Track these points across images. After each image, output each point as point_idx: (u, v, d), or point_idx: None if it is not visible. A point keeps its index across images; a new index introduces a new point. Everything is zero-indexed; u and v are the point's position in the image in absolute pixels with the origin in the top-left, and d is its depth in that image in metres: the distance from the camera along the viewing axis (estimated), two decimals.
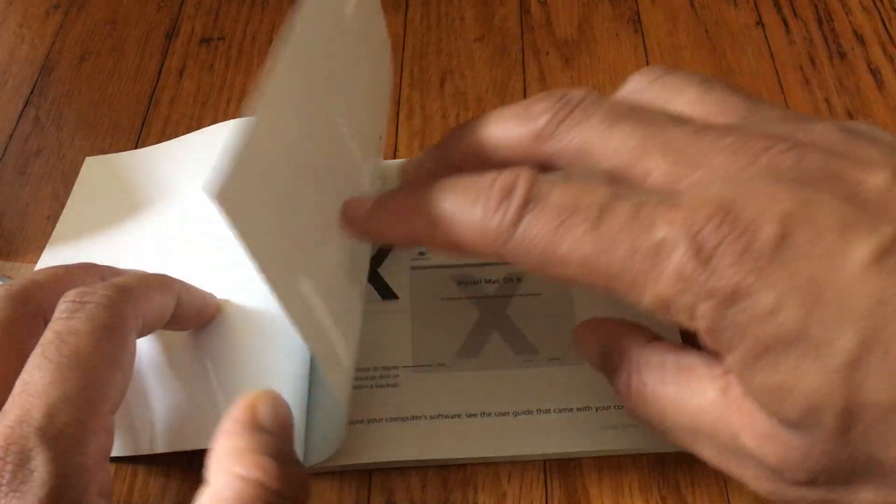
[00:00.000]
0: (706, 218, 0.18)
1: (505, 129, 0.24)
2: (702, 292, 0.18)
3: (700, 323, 0.19)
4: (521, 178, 0.21)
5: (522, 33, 0.46)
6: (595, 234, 0.20)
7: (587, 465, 0.30)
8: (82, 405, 0.23)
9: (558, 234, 0.20)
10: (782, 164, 0.19)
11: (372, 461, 0.30)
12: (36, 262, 0.36)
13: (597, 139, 0.22)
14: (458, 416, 0.31)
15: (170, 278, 0.28)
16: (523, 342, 0.32)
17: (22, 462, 0.21)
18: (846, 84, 0.43)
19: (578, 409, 0.31)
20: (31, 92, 0.44)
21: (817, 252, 0.18)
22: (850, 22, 0.46)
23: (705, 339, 0.20)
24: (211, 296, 0.31)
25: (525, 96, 0.43)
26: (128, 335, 0.25)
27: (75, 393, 0.23)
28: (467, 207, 0.22)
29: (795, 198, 0.18)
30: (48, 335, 0.24)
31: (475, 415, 0.31)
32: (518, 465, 0.30)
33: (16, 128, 0.42)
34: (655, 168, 0.21)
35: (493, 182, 0.21)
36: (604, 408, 0.31)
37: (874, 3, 0.47)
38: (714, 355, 0.21)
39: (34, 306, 0.26)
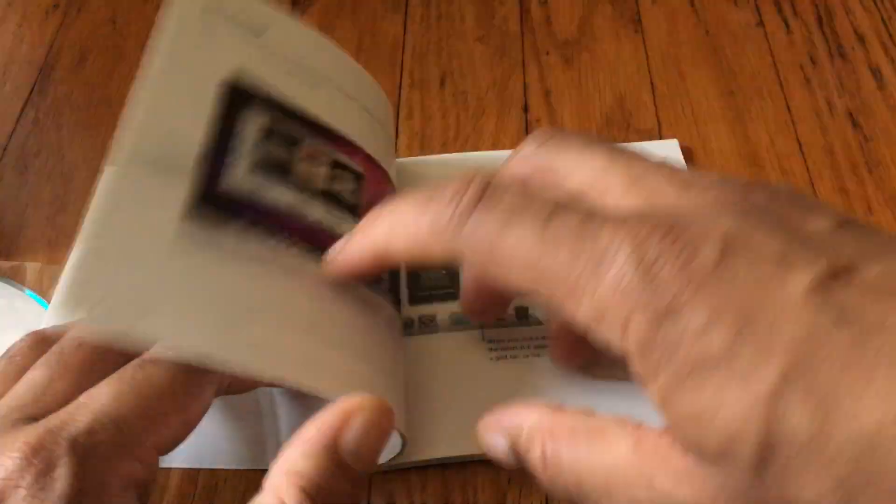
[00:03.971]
0: (650, 231, 0.19)
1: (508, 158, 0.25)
2: (638, 304, 0.18)
3: (632, 338, 0.19)
4: (476, 181, 0.22)
5: (522, 33, 0.46)
6: (541, 235, 0.20)
7: None
8: (127, 429, 0.23)
9: (505, 231, 0.20)
10: (730, 198, 0.20)
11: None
12: (36, 262, 0.36)
13: (571, 158, 0.23)
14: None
15: None
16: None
17: (47, 469, 0.21)
18: (847, 84, 0.43)
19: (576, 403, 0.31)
20: (31, 92, 0.44)
21: (754, 277, 0.18)
22: (851, 21, 0.46)
23: (634, 360, 0.19)
24: None
25: (525, 96, 0.43)
26: (205, 385, 0.25)
27: (126, 416, 0.23)
28: (420, 209, 0.23)
29: (738, 226, 0.19)
30: (135, 360, 0.24)
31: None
32: None
33: (15, 128, 0.42)
34: (616, 186, 0.21)
35: (446, 185, 0.22)
36: None
37: (875, 3, 0.47)
38: (623, 419, 0.21)
39: None
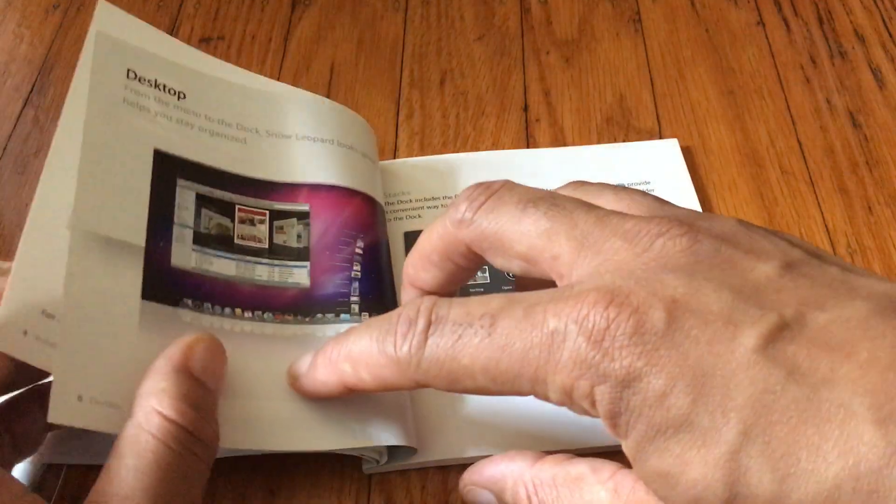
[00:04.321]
0: (592, 304, 0.19)
1: (438, 225, 0.25)
2: (598, 375, 0.19)
3: (600, 408, 0.19)
4: (422, 307, 0.22)
5: (522, 33, 0.46)
6: (490, 340, 0.21)
7: None
8: None
9: (457, 348, 0.21)
10: (675, 248, 0.20)
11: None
12: None
13: (509, 224, 0.23)
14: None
15: None
16: None
17: None
18: (847, 83, 0.43)
19: None
20: (31, 91, 0.44)
21: (705, 338, 0.18)
22: (851, 21, 0.46)
23: (608, 425, 0.20)
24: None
25: (525, 96, 0.43)
26: None
27: None
28: (379, 345, 0.23)
29: (684, 285, 0.19)
30: None
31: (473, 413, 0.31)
32: None
33: (15, 128, 0.42)
34: (563, 253, 0.21)
35: (398, 317, 0.23)
36: None
37: (875, 3, 0.47)
38: (600, 461, 0.22)
39: None
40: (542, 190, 0.24)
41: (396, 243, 0.36)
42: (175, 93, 0.31)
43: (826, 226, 0.37)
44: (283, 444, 0.27)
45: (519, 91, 0.44)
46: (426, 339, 0.22)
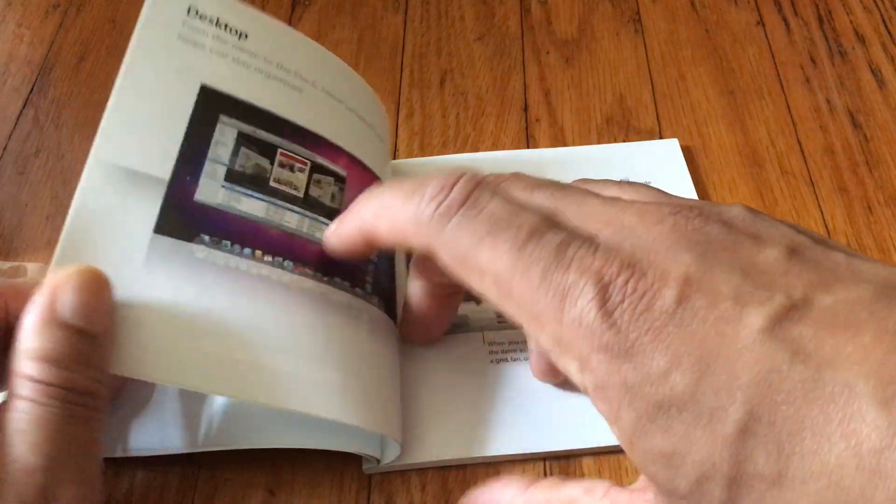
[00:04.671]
0: (615, 272, 0.19)
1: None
2: (599, 343, 0.19)
3: (591, 376, 0.19)
4: (464, 181, 0.22)
5: (522, 33, 0.46)
6: (517, 255, 0.20)
7: (587, 460, 0.30)
8: None
9: (484, 243, 0.21)
10: (688, 227, 0.20)
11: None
12: (35, 262, 0.36)
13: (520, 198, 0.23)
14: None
15: None
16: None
17: None
18: (847, 83, 0.43)
19: (577, 404, 0.31)
20: (31, 92, 0.44)
21: (712, 318, 0.18)
22: (851, 21, 0.46)
23: (596, 396, 0.20)
24: None
25: (525, 96, 0.43)
26: None
27: None
28: (406, 199, 0.23)
29: (696, 264, 0.19)
30: None
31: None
32: (518, 464, 0.30)
33: (15, 128, 0.42)
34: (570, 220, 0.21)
35: (435, 179, 0.22)
36: None
37: (875, 3, 0.47)
38: (592, 480, 0.23)
39: None
40: (548, 179, 0.24)
41: None
42: (236, 32, 0.30)
43: (826, 226, 0.37)
44: (283, 400, 0.26)
45: (519, 91, 0.44)
46: (455, 214, 0.21)
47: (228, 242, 0.27)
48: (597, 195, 0.22)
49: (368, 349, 0.29)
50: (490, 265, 0.21)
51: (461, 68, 0.45)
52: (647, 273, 0.19)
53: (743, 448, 0.17)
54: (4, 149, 0.41)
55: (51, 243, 0.38)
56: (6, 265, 0.36)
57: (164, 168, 0.27)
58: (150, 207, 0.26)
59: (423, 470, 0.30)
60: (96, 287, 0.24)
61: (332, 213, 0.30)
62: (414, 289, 0.30)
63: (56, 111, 0.43)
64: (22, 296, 0.25)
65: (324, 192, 0.30)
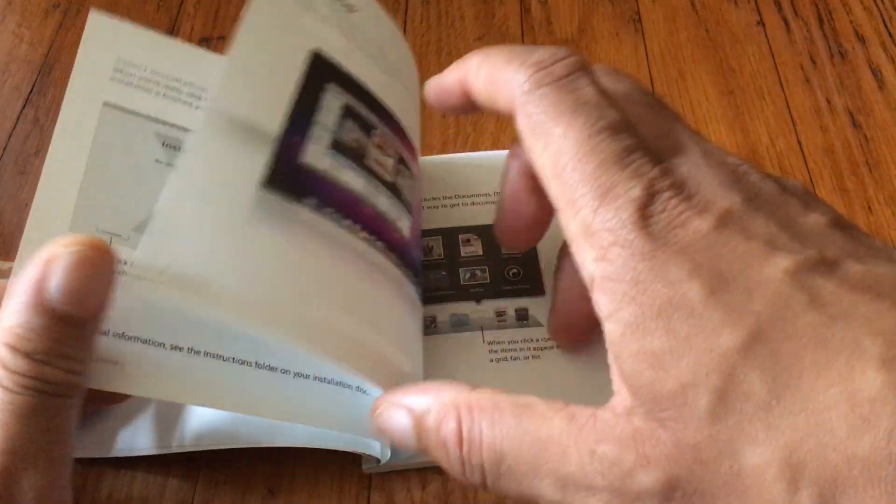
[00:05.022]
0: (666, 187, 0.20)
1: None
2: (625, 240, 0.19)
3: (603, 266, 0.20)
4: (572, 58, 0.22)
5: (523, 33, 0.46)
6: (586, 138, 0.21)
7: None
8: None
9: (563, 117, 0.21)
10: (744, 174, 0.21)
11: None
12: None
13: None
14: None
15: None
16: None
17: None
18: (847, 83, 0.43)
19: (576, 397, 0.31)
20: (31, 92, 0.44)
21: (741, 250, 0.19)
22: (851, 21, 0.46)
23: (597, 285, 0.20)
24: None
25: None
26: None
27: None
28: (514, 57, 0.23)
29: (741, 202, 0.20)
30: None
31: None
32: None
33: (15, 127, 0.42)
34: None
35: (545, 48, 0.23)
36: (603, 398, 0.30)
37: (875, 3, 0.47)
38: (551, 400, 0.21)
39: None
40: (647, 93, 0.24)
41: None
42: (346, 4, 0.30)
43: None
44: (377, 379, 0.25)
45: None
46: (549, 84, 0.22)
47: (332, 210, 0.26)
48: (685, 128, 0.23)
49: (419, 339, 0.30)
50: (558, 139, 0.21)
51: None
52: (693, 197, 0.20)
53: (741, 366, 0.18)
54: (4, 149, 0.41)
55: None
56: (6, 265, 0.36)
57: (274, 123, 0.26)
58: (258, 160, 0.25)
59: (423, 470, 0.30)
60: (93, 265, 0.22)
61: (408, 206, 0.30)
62: (510, 171, 0.28)
63: (56, 111, 0.43)
64: None
65: (404, 183, 0.30)
